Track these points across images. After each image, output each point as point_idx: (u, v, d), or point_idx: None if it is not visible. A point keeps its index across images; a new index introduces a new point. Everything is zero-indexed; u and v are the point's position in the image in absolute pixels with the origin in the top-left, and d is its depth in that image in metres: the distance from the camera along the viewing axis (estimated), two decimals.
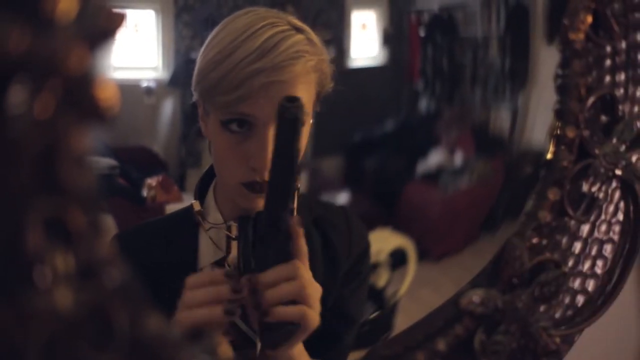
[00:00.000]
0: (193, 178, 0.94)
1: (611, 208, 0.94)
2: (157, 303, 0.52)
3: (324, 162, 1.05)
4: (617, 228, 0.94)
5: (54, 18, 0.44)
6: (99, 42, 0.46)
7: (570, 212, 0.90)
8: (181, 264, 0.79)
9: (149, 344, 0.50)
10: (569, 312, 0.92)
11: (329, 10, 1.01)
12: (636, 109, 0.94)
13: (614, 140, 0.91)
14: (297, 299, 0.76)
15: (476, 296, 0.85)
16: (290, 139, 0.72)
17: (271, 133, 0.81)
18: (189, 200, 0.90)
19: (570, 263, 0.92)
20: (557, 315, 0.91)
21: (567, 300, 0.92)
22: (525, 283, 0.87)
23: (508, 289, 0.86)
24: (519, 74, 1.05)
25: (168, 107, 0.96)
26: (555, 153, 0.90)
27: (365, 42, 1.03)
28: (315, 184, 0.78)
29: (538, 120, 1.00)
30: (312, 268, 0.79)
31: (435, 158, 1.09)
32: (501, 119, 1.09)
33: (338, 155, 1.05)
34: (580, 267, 0.93)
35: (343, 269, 0.92)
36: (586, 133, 0.90)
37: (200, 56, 0.84)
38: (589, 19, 0.88)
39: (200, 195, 0.90)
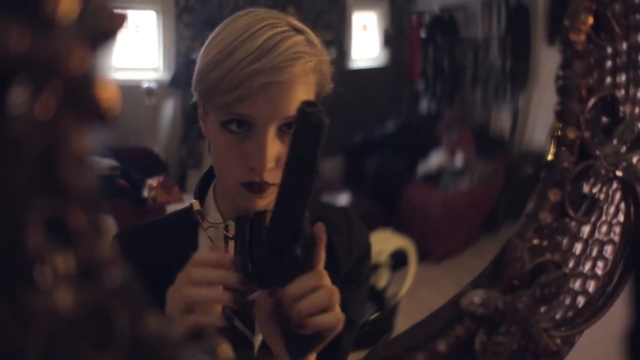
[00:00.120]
0: (194, 179, 0.94)
1: (612, 209, 0.94)
2: (157, 302, 0.52)
3: (324, 163, 1.05)
4: (617, 229, 0.94)
5: (55, 18, 0.44)
6: (100, 43, 0.46)
7: (571, 213, 0.90)
8: (181, 263, 0.79)
9: (149, 344, 0.50)
10: (570, 313, 0.92)
11: (329, 11, 1.01)
12: (637, 110, 0.93)
13: (615, 142, 0.91)
14: (327, 308, 0.77)
15: (477, 297, 0.85)
16: (313, 144, 0.71)
17: (270, 133, 0.82)
18: (189, 201, 0.91)
19: (571, 264, 0.92)
20: (558, 316, 0.91)
21: (567, 301, 0.92)
22: (526, 284, 0.87)
23: (509, 290, 0.86)
24: (519, 75, 1.05)
25: (169, 108, 0.96)
26: (556, 154, 0.90)
27: (366, 43, 1.03)
28: (315, 185, 0.78)
29: (539, 121, 1.00)
30: None
31: (435, 159, 1.09)
32: (502, 119, 1.09)
33: (339, 156, 1.05)
34: (580, 268, 0.93)
35: (343, 270, 0.92)
36: (587, 134, 0.90)
37: (200, 57, 0.84)
38: (590, 20, 0.88)
39: (200, 195, 0.90)
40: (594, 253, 0.93)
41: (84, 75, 0.45)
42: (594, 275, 0.93)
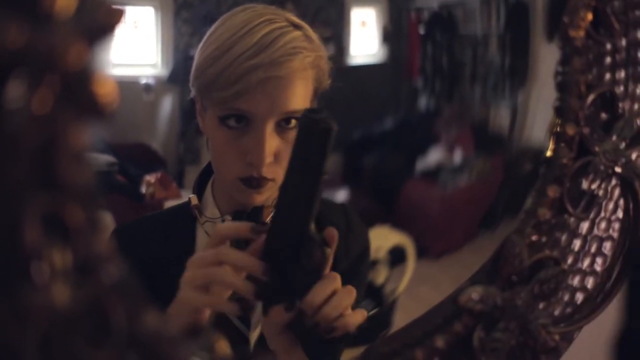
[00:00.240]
0: (192, 175, 0.94)
1: (611, 205, 0.93)
2: (155, 297, 0.52)
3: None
4: (616, 225, 0.94)
5: (53, 13, 0.44)
6: (97, 38, 0.46)
7: (570, 209, 0.90)
8: (178, 258, 0.79)
9: (146, 340, 0.50)
10: (568, 310, 0.92)
11: (328, 8, 1.01)
12: (636, 106, 0.93)
13: (614, 138, 0.91)
14: (350, 306, 0.78)
15: (475, 293, 0.85)
16: (320, 152, 0.70)
17: (268, 128, 0.82)
18: (187, 197, 0.91)
19: (570, 260, 0.92)
20: (557, 312, 0.91)
21: (566, 297, 0.92)
22: (524, 280, 0.87)
23: (507, 286, 0.86)
24: (518, 72, 1.05)
25: (167, 104, 0.96)
26: (555, 150, 0.90)
27: (365, 39, 1.03)
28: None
29: (538, 117, 1.00)
30: None
31: (434, 156, 1.09)
32: (501, 116, 1.09)
33: (337, 152, 1.05)
34: (579, 265, 0.93)
35: (341, 267, 0.92)
36: (586, 130, 0.89)
37: (198, 52, 0.84)
38: (589, 16, 0.88)
39: (199, 191, 0.90)
40: (593, 249, 0.93)
41: (81, 70, 0.45)
42: (592, 272, 0.93)
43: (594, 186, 0.92)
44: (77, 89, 0.45)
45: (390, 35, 1.04)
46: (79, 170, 0.46)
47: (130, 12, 0.91)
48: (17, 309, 0.44)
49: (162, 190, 0.95)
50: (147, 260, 0.86)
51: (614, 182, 0.93)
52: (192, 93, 0.86)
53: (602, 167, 0.91)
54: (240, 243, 0.81)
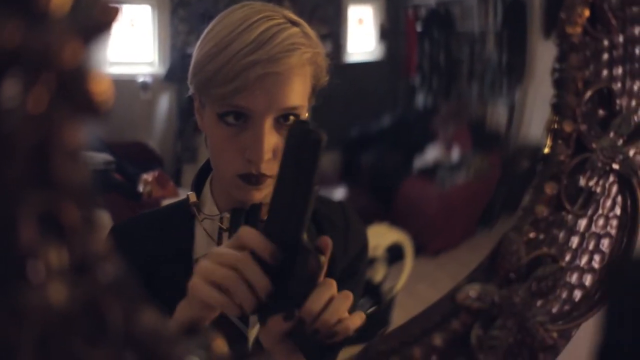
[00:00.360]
0: (189, 173, 0.94)
1: (608, 202, 0.93)
2: (153, 294, 0.52)
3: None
4: (614, 222, 0.94)
5: (48, 11, 0.44)
6: (93, 36, 0.46)
7: (568, 206, 0.90)
8: (176, 255, 0.79)
9: (143, 339, 0.50)
10: (566, 307, 0.92)
11: (325, 5, 1.01)
12: (634, 102, 0.93)
13: (612, 134, 0.91)
14: (349, 310, 0.78)
15: (473, 291, 0.85)
16: (312, 162, 0.70)
17: (267, 125, 0.82)
18: (184, 195, 0.91)
19: (568, 258, 0.92)
20: (554, 310, 0.91)
21: (564, 295, 0.92)
22: (522, 278, 0.87)
23: (505, 283, 0.86)
24: (516, 69, 1.05)
25: (164, 103, 0.96)
26: (552, 147, 0.90)
27: (362, 37, 1.03)
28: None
29: (535, 114, 1.00)
30: None
31: (432, 153, 1.09)
32: (498, 113, 1.09)
33: (334, 150, 1.05)
34: (577, 262, 0.93)
35: (339, 266, 0.92)
36: (583, 127, 0.89)
37: (196, 50, 0.84)
38: (586, 12, 0.88)
39: (197, 188, 0.90)
40: (591, 246, 0.93)
41: (77, 68, 0.44)
42: (590, 269, 0.93)
43: (591, 183, 0.92)
44: (73, 88, 0.45)
45: (388, 33, 1.04)
46: (75, 168, 0.45)
47: (127, 11, 0.91)
48: (13, 308, 0.44)
49: (160, 189, 0.95)
50: (146, 258, 0.86)
51: (611, 179, 0.93)
52: (191, 90, 0.87)
53: (599, 164, 0.91)
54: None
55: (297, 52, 0.83)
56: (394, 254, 1.03)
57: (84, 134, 0.46)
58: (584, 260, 0.93)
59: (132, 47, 0.92)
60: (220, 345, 0.59)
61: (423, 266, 1.06)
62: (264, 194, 0.85)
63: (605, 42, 0.91)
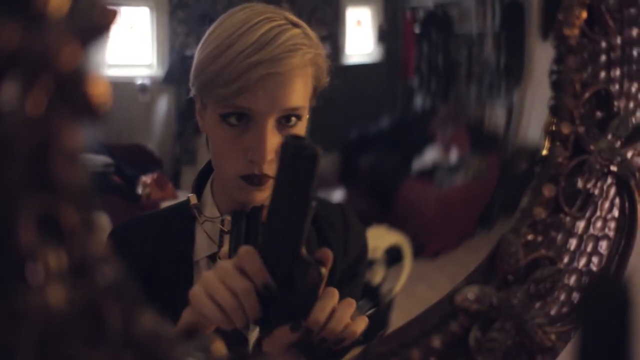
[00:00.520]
0: (188, 175, 0.94)
1: (606, 204, 0.94)
2: (153, 296, 0.52)
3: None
4: (612, 224, 0.94)
5: (46, 14, 0.44)
6: (91, 38, 0.46)
7: (566, 208, 0.90)
8: (177, 257, 0.79)
9: (142, 341, 0.50)
10: (565, 309, 0.92)
11: (324, 7, 1.01)
12: (631, 104, 0.93)
13: (609, 136, 0.91)
14: (353, 316, 0.78)
15: (471, 293, 0.85)
16: (308, 177, 0.68)
17: (269, 125, 0.82)
18: (183, 197, 0.91)
19: (566, 260, 0.92)
20: (553, 312, 0.91)
21: (562, 297, 0.92)
22: (520, 280, 0.87)
23: (503, 285, 0.86)
24: (514, 71, 1.05)
25: (163, 105, 0.96)
26: (550, 149, 0.90)
27: (360, 38, 1.03)
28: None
29: (533, 116, 1.00)
30: None
31: (430, 155, 1.09)
32: (496, 115, 1.09)
33: (333, 152, 1.05)
34: (575, 264, 0.93)
35: (339, 268, 0.92)
36: (581, 129, 0.89)
37: (197, 52, 0.85)
38: (584, 14, 0.88)
39: (198, 190, 0.90)
40: (589, 249, 0.93)
41: (75, 71, 0.44)
42: (588, 271, 0.93)
43: (589, 185, 0.92)
44: (71, 90, 0.45)
45: (386, 35, 1.04)
46: (74, 171, 0.46)
47: (126, 13, 0.91)
48: (12, 311, 0.44)
49: (159, 191, 0.95)
50: (146, 259, 0.86)
51: (609, 180, 0.93)
52: (192, 92, 0.87)
53: (597, 166, 0.91)
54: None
55: (299, 52, 0.83)
56: (393, 255, 1.03)
57: (82, 136, 0.46)
58: (582, 262, 0.93)
59: (131, 49, 0.92)
60: (219, 347, 0.59)
61: (422, 268, 1.06)
62: (266, 194, 0.85)
63: (603, 44, 0.91)
